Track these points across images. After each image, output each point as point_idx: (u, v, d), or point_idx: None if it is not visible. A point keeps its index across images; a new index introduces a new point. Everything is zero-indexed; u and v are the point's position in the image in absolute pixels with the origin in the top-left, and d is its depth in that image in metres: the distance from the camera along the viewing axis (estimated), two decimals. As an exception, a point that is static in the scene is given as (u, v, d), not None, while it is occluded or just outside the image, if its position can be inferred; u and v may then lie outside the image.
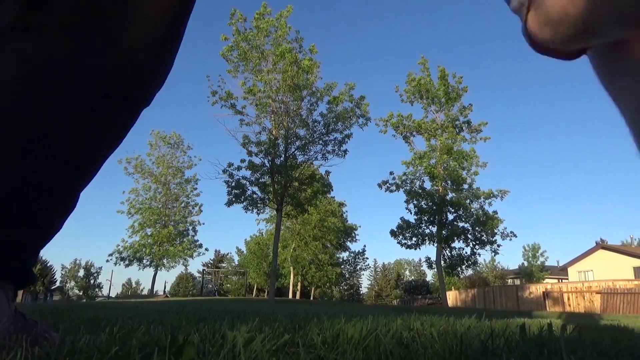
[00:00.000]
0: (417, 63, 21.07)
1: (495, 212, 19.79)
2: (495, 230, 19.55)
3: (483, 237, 19.65)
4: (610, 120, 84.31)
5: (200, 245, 31.98)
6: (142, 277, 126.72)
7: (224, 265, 71.28)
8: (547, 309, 20.83)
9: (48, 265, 57.10)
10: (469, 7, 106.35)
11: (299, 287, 40.68)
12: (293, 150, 16.79)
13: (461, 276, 24.19)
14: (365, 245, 66.90)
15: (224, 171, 16.51)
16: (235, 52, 16.44)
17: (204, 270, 58.61)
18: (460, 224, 19.69)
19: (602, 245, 33.23)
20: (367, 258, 61.84)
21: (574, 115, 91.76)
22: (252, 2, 16.49)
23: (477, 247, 19.88)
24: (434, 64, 21.01)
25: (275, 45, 16.21)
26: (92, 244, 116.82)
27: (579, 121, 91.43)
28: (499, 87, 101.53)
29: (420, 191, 20.02)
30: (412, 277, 77.32)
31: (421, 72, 20.82)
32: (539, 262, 42.37)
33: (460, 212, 19.59)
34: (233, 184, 16.38)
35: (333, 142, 16.89)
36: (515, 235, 20.04)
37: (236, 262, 62.57)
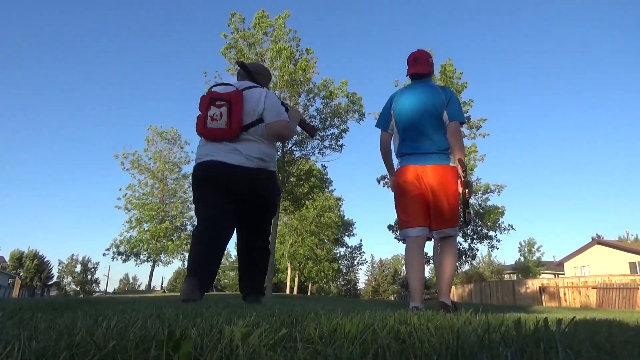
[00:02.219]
0: None
1: (495, 206, 19.81)
2: (500, 221, 19.52)
3: (483, 231, 19.67)
4: (608, 118, 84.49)
5: (199, 240, 32.06)
6: (140, 272, 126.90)
7: (221, 260, 71.24)
8: (544, 304, 20.93)
9: (45, 260, 57.00)
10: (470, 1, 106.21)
11: (296, 283, 40.77)
12: (290, 145, 16.79)
13: (458, 271, 24.28)
14: (361, 240, 66.89)
15: None
16: (233, 50, 16.47)
17: (201, 265, 58.64)
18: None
19: (598, 241, 33.37)
20: (364, 253, 62.02)
21: (571, 111, 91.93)
22: (250, 5, 16.49)
23: (475, 241, 19.94)
24: (436, 55, 21.07)
25: (274, 43, 16.20)
26: (89, 239, 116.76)
27: (576, 117, 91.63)
28: (498, 82, 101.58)
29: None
30: (409, 273, 77.46)
31: None
32: (534, 258, 42.52)
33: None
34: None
35: (330, 137, 16.91)
36: (513, 229, 20.07)
37: (233, 258, 62.63)
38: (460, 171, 2.99)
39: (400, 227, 3.17)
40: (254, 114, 2.89)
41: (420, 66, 3.29)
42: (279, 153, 16.47)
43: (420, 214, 3.04)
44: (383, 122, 3.31)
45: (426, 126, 3.06)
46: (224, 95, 2.85)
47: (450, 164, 3.05)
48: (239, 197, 2.90)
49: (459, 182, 3.03)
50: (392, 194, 3.22)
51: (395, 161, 3.32)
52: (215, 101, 2.83)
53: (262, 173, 2.90)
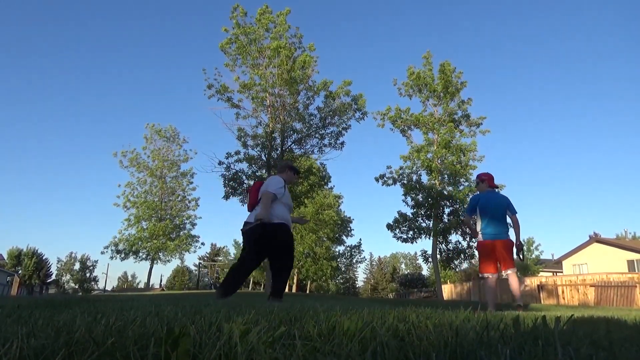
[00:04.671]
0: (422, 57, 21.05)
1: None
2: None
3: None
4: (606, 116, 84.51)
5: (197, 240, 31.94)
6: (138, 270, 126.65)
7: (220, 258, 71.26)
8: (542, 301, 20.96)
9: (43, 258, 56.92)
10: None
11: (294, 281, 40.76)
12: (289, 143, 16.76)
13: (457, 269, 24.28)
14: (360, 239, 66.82)
15: (220, 163, 16.47)
16: (234, 45, 16.43)
17: (200, 263, 58.67)
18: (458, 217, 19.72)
19: (596, 239, 33.38)
20: (363, 251, 61.99)
21: (570, 110, 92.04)
22: (251, 2, 16.41)
23: (474, 240, 19.91)
24: (435, 56, 21.10)
25: (274, 40, 16.17)
26: (87, 237, 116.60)
27: (575, 116, 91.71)
28: (497, 80, 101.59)
29: (416, 185, 20.03)
30: (408, 271, 77.59)
31: (423, 65, 20.79)
32: (533, 256, 42.56)
33: (457, 206, 19.60)
34: (230, 176, 16.36)
35: (330, 135, 16.87)
36: (511, 226, 20.02)
37: (232, 256, 62.62)
38: (518, 248, 5.88)
39: (482, 271, 5.77)
40: (260, 195, 4.88)
41: (492, 183, 6.08)
42: (277, 151, 16.47)
43: (493, 266, 5.67)
44: (471, 211, 6.01)
45: (498, 218, 5.79)
46: (251, 187, 5.25)
47: (509, 238, 5.80)
48: (252, 239, 4.78)
49: (515, 249, 5.84)
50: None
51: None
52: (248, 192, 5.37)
53: (254, 226, 4.69)
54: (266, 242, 4.71)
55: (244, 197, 16.75)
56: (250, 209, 4.95)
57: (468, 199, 21.14)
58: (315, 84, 16.83)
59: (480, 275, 5.78)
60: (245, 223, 4.83)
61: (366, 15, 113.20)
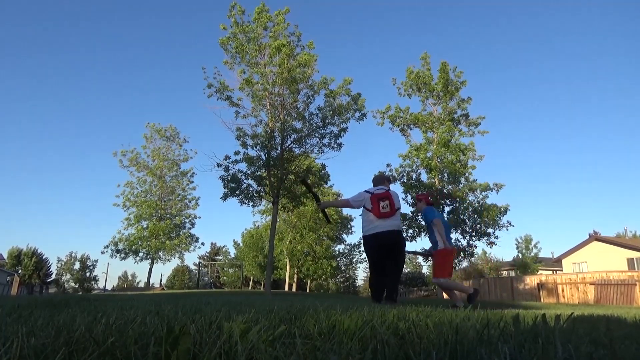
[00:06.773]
0: (419, 58, 21.07)
1: (494, 204, 19.67)
2: (500, 218, 19.34)
3: (482, 228, 19.58)
4: (605, 114, 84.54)
5: (197, 240, 31.87)
6: (138, 269, 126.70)
7: (220, 257, 71.27)
8: (542, 300, 20.98)
9: (43, 258, 56.92)
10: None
11: (295, 280, 40.75)
12: (289, 143, 16.73)
13: (456, 268, 24.28)
14: (361, 238, 66.63)
15: (218, 165, 16.43)
16: (233, 43, 16.41)
17: (200, 262, 58.65)
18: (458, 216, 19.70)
19: (596, 237, 33.39)
20: (363, 250, 61.77)
21: (569, 109, 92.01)
22: (250, 1, 16.34)
23: (473, 238, 19.92)
24: (433, 56, 21.13)
25: (273, 38, 16.13)
26: (87, 237, 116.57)
27: (574, 114, 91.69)
28: (497, 78, 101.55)
29: (416, 183, 20.04)
30: (408, 269, 77.55)
31: (422, 66, 20.81)
32: (532, 254, 42.58)
33: (457, 204, 19.60)
34: (228, 178, 16.33)
35: (329, 135, 16.82)
36: (512, 225, 19.93)
37: (232, 255, 62.62)
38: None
39: (447, 276, 6.35)
40: (397, 205, 5.73)
41: (429, 201, 7.06)
42: (277, 151, 16.46)
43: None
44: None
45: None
46: (385, 195, 5.70)
47: None
48: (389, 245, 5.56)
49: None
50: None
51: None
52: (382, 199, 5.65)
53: (400, 233, 5.67)
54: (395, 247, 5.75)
55: (243, 198, 16.70)
56: (392, 214, 5.69)
57: (465, 196, 21.68)
58: (315, 82, 16.78)
59: (445, 281, 6.30)
60: (395, 232, 5.60)
61: (365, 15, 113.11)
